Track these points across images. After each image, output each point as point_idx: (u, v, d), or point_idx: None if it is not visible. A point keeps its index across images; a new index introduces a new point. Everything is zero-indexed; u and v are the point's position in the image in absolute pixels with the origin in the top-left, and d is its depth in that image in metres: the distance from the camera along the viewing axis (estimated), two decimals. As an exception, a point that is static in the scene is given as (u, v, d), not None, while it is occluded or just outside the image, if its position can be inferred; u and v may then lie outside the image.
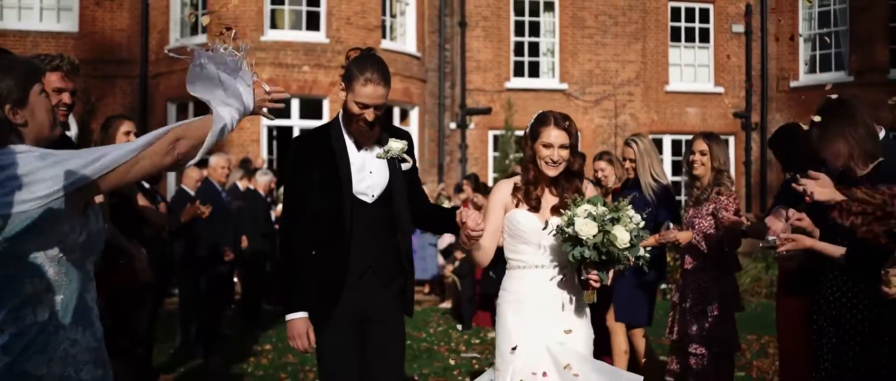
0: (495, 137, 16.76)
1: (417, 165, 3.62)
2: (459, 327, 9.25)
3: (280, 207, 10.52)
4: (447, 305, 11.01)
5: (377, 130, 3.40)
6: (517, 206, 3.52)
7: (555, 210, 3.47)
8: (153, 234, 5.53)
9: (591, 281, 3.30)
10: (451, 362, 7.19)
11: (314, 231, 3.34)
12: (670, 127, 17.64)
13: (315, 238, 3.34)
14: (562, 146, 3.44)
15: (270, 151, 15.59)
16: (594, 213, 3.20)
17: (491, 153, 16.86)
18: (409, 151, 3.49)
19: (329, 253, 3.32)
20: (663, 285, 9.88)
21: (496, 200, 3.57)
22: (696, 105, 17.78)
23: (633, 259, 3.26)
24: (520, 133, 16.76)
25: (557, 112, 3.56)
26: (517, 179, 3.59)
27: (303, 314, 3.31)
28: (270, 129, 15.39)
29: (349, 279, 3.32)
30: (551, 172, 3.46)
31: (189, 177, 8.08)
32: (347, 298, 3.32)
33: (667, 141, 17.60)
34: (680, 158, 16.55)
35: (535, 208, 3.49)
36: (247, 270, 9.35)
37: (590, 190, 3.63)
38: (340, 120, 3.45)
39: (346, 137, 3.41)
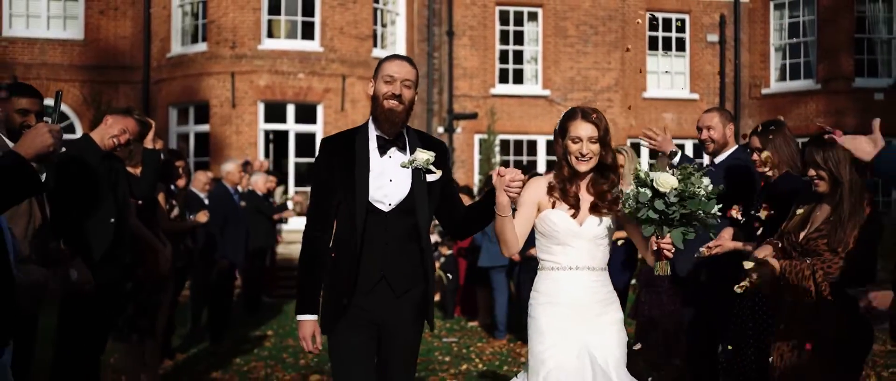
0: (481, 141, 17.61)
1: (452, 178, 3.50)
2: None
3: (277, 198, 11.31)
4: (436, 298, 11.86)
5: (405, 114, 3.32)
6: (553, 206, 3.39)
7: (593, 209, 3.36)
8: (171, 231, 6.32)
9: (664, 250, 3.13)
10: (435, 344, 8.11)
11: (332, 234, 3.34)
12: (648, 132, 18.50)
13: (334, 241, 3.34)
14: (590, 139, 3.33)
15: (267, 154, 16.37)
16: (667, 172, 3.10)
17: (476, 156, 17.70)
18: (440, 163, 3.37)
19: (342, 258, 3.29)
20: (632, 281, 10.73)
21: (529, 196, 3.42)
22: (673, 111, 18.65)
23: (710, 215, 3.08)
24: (503, 138, 17.68)
25: (586, 106, 3.47)
26: (550, 177, 3.47)
27: (311, 317, 3.29)
28: (267, 133, 16.18)
29: (361, 287, 3.26)
30: (582, 166, 3.34)
31: (197, 179, 8.84)
32: (360, 305, 3.26)
33: (645, 146, 18.45)
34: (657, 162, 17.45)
35: (574, 207, 3.37)
36: (247, 265, 10.14)
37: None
38: (369, 123, 3.39)
39: (371, 142, 3.34)
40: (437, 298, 11.68)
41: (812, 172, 3.42)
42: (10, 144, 3.56)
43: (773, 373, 3.50)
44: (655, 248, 3.16)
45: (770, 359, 3.54)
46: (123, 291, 5.39)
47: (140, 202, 5.51)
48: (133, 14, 16.67)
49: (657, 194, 3.06)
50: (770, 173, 4.34)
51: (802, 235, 3.44)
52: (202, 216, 6.67)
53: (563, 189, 3.38)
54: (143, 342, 5.84)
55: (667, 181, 3.05)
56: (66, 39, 16.52)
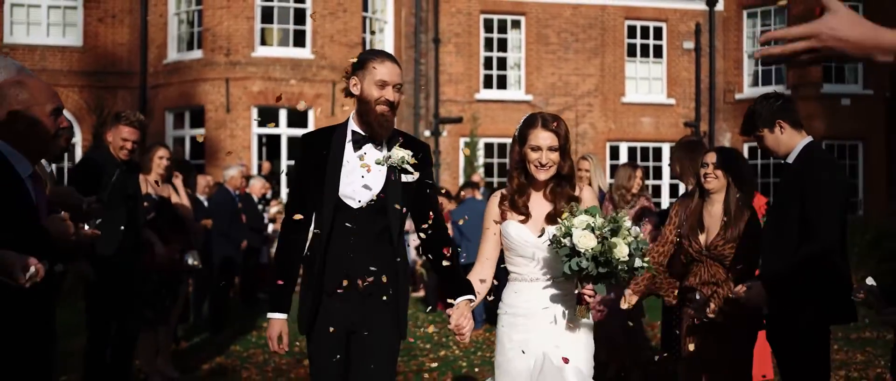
0: (465, 144, 18.33)
1: (433, 184, 3.41)
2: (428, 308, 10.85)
3: (273, 209, 12.02)
4: (420, 293, 12.54)
5: (394, 119, 3.25)
6: (505, 217, 3.33)
7: (549, 219, 3.27)
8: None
9: (585, 296, 3.13)
10: (417, 333, 8.86)
11: (306, 231, 3.28)
12: (626, 135, 19.27)
13: (306, 238, 3.28)
14: (550, 148, 3.24)
15: (260, 157, 17.04)
16: (593, 224, 3.02)
17: (461, 159, 18.43)
18: (420, 165, 3.27)
19: (314, 255, 3.23)
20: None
21: (489, 214, 3.40)
22: (650, 115, 19.41)
23: (630, 273, 3.08)
24: (487, 141, 18.39)
25: (547, 113, 3.36)
26: (505, 189, 3.42)
27: (280, 316, 3.23)
28: (260, 137, 16.85)
29: (328, 286, 3.21)
30: (541, 175, 3.26)
31: (197, 183, 9.54)
32: (329, 305, 3.21)
33: (623, 148, 19.24)
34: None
35: (524, 216, 3.30)
36: (243, 262, 10.83)
37: (587, 194, 3.38)
38: (351, 120, 3.30)
39: (348, 138, 3.26)
40: (422, 293, 12.39)
41: (708, 170, 4.18)
42: (48, 168, 4.15)
43: (684, 348, 4.23)
44: (577, 292, 3.16)
45: (679, 333, 4.28)
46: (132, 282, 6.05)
47: None
48: (130, 22, 17.29)
49: (576, 251, 3.01)
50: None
51: (703, 240, 4.17)
52: (207, 223, 7.45)
53: (512, 200, 3.33)
54: (156, 330, 6.52)
55: (586, 242, 2.99)
56: (65, 46, 17.13)
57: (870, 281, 2.90)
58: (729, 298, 3.91)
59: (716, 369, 4.08)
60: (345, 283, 3.20)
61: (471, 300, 3.25)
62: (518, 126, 3.38)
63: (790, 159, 3.82)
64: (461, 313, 3.19)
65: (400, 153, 3.20)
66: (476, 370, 7.18)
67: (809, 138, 3.85)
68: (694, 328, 4.13)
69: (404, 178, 3.24)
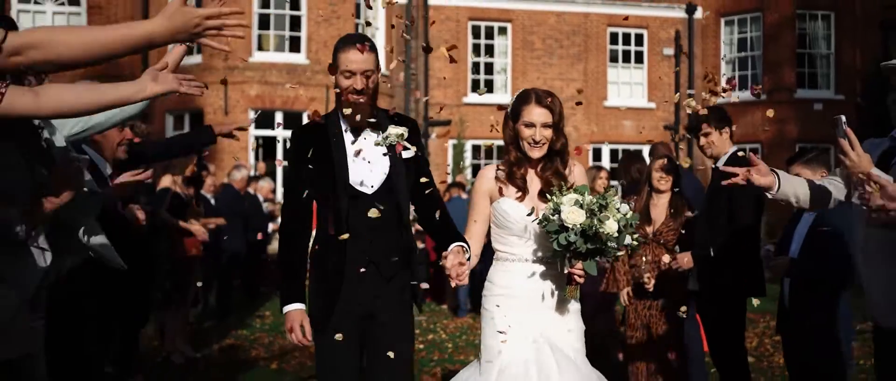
0: (454, 146, 19.09)
1: (424, 155, 3.37)
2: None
3: (275, 206, 12.73)
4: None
5: (370, 105, 3.17)
6: (501, 193, 3.24)
7: (542, 196, 3.20)
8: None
9: (575, 276, 3.09)
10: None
11: (308, 225, 3.25)
12: (609, 137, 20.03)
13: (317, 233, 3.23)
14: (544, 125, 3.19)
15: (256, 158, 17.72)
16: (581, 201, 2.98)
17: (449, 160, 19.18)
18: (412, 139, 3.20)
19: (328, 249, 3.14)
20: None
21: (480, 189, 3.31)
22: (632, 118, 20.19)
23: (621, 250, 3.04)
24: (475, 143, 19.13)
25: (540, 89, 3.29)
26: (499, 164, 3.35)
27: (298, 306, 3.15)
28: (257, 138, 17.55)
29: (350, 275, 3.11)
30: (535, 153, 3.21)
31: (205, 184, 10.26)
32: (350, 294, 3.12)
33: (605, 150, 20.03)
34: (617, 165, 19.06)
35: (521, 191, 3.24)
36: (246, 258, 11.55)
37: (578, 172, 3.38)
38: (337, 110, 3.23)
39: (342, 126, 3.20)
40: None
41: (661, 174, 4.94)
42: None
43: (630, 322, 5.00)
44: (566, 271, 3.12)
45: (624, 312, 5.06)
46: (160, 272, 6.75)
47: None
48: (131, 26, 17.93)
49: (564, 227, 2.98)
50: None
51: (650, 228, 4.94)
52: (221, 220, 8.24)
53: (510, 173, 3.27)
54: (180, 313, 7.27)
55: (574, 217, 2.95)
56: (69, 51, 17.77)
57: (769, 247, 3.74)
58: (666, 270, 4.68)
59: (655, 335, 4.86)
60: (362, 270, 3.13)
61: (462, 248, 3.11)
62: (512, 101, 3.35)
63: (720, 163, 4.60)
64: (455, 254, 3.03)
65: (396, 130, 3.17)
66: (460, 351, 7.91)
67: (736, 147, 4.65)
68: (636, 307, 4.93)
69: (405, 154, 3.20)
